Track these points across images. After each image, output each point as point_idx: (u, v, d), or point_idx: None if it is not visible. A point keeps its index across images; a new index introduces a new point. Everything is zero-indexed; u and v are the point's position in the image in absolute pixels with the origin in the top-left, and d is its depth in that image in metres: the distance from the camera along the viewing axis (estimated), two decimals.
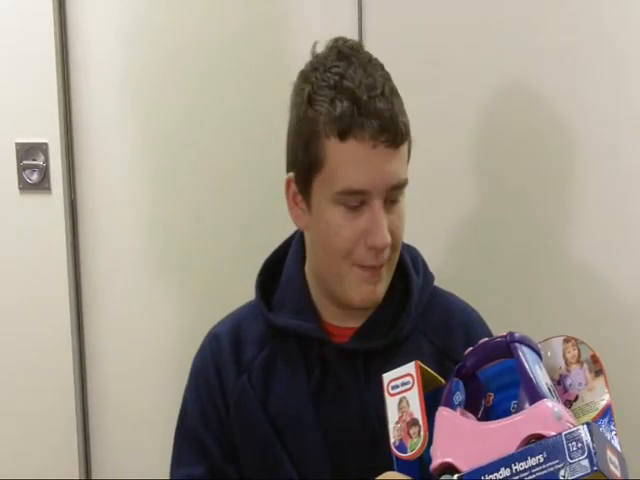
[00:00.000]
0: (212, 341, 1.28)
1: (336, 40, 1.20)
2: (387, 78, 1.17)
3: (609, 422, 0.97)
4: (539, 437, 0.87)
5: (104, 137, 2.06)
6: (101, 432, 2.14)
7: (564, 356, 1.02)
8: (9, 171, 2.09)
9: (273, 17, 1.94)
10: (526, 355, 0.95)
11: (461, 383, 0.99)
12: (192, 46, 1.98)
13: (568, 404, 0.98)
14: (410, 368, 1.01)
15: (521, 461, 0.84)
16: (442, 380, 1.04)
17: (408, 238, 1.31)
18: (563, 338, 1.03)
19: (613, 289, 1.78)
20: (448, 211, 1.85)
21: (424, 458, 0.97)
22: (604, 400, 0.98)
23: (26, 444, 2.15)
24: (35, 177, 2.08)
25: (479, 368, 0.99)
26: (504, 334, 0.98)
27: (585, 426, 0.83)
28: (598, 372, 1.00)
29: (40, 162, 2.07)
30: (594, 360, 1.01)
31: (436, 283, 1.32)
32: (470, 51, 1.80)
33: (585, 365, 1.01)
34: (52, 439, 2.13)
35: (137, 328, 2.09)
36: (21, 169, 2.09)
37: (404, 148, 1.16)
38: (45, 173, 2.08)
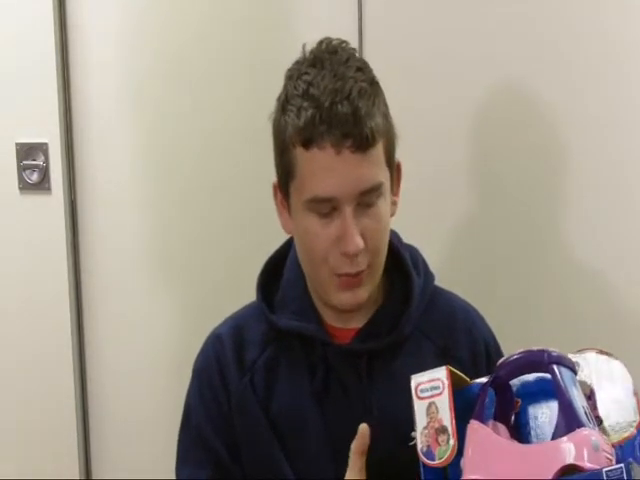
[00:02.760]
0: (215, 341, 1.28)
1: (320, 43, 1.19)
2: (360, 79, 1.14)
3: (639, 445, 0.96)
4: (574, 467, 0.86)
5: (104, 137, 2.06)
6: (101, 432, 2.14)
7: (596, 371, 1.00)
8: (9, 171, 2.10)
9: (273, 18, 1.94)
10: (564, 377, 0.93)
11: (492, 392, 0.98)
12: (192, 47, 1.98)
13: (598, 421, 0.97)
14: (440, 373, 0.98)
15: None
16: (468, 379, 1.03)
17: (407, 238, 1.31)
18: (596, 351, 1.02)
19: (612, 287, 1.78)
20: (447, 211, 1.85)
21: (451, 465, 0.96)
22: (635, 421, 0.96)
23: (26, 444, 2.15)
24: (35, 177, 2.08)
25: (511, 379, 0.98)
26: (541, 350, 0.96)
27: (624, 465, 0.83)
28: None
29: (40, 162, 2.07)
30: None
31: (435, 282, 1.32)
32: (470, 51, 1.79)
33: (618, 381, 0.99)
34: (52, 439, 2.13)
35: (137, 328, 2.09)
36: (21, 169, 2.09)
37: (375, 151, 1.13)
38: (45, 173, 2.08)
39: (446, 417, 0.96)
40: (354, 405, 1.21)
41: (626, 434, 0.96)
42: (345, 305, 1.20)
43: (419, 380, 1.00)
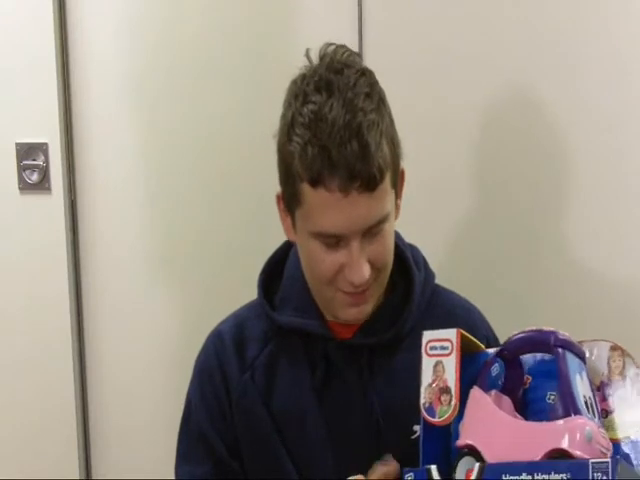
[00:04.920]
0: (215, 339, 1.29)
1: (322, 57, 1.15)
2: (368, 109, 1.10)
3: None
4: (563, 452, 0.87)
5: (104, 137, 2.06)
6: (101, 432, 2.14)
7: (608, 363, 0.99)
8: (9, 171, 2.09)
9: (273, 17, 1.94)
10: (568, 362, 0.93)
11: (501, 362, 0.98)
12: (192, 46, 1.98)
13: (604, 413, 0.97)
14: (451, 334, 0.98)
15: (544, 473, 0.85)
16: (483, 347, 1.04)
17: (407, 238, 1.31)
18: (611, 345, 1.00)
19: (612, 286, 1.78)
20: (447, 211, 1.85)
21: (451, 427, 0.98)
22: None
23: (26, 444, 2.15)
24: (35, 177, 2.08)
25: (518, 354, 0.98)
26: (549, 330, 0.96)
27: (613, 460, 0.84)
28: None
29: (40, 162, 2.07)
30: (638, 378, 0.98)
31: (436, 281, 1.32)
32: (471, 52, 1.80)
33: (628, 380, 0.98)
34: (52, 439, 2.13)
35: (137, 328, 2.09)
36: (21, 169, 2.09)
37: (383, 185, 1.11)
38: (45, 173, 2.08)
39: (451, 378, 0.97)
40: (354, 400, 1.22)
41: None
42: (350, 320, 1.21)
43: (430, 337, 1.00)
